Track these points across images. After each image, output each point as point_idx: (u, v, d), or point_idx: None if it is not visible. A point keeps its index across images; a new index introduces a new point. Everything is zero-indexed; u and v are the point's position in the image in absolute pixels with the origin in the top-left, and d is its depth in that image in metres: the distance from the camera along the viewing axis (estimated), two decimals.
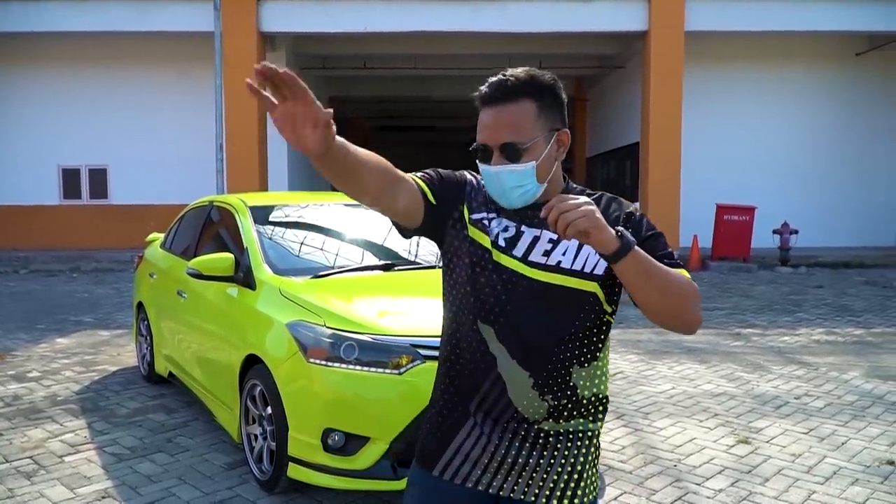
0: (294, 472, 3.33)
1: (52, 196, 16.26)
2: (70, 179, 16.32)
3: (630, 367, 6.13)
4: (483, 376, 1.60)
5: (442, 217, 1.63)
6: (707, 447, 4.22)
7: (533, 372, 1.57)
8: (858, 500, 3.51)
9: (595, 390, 1.63)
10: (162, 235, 5.99)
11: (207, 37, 14.19)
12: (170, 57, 15.88)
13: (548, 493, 1.59)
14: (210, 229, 5.02)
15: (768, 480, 3.74)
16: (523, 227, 1.61)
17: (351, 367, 3.20)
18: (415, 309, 3.67)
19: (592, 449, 1.66)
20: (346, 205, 4.93)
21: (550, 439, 1.60)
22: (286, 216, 4.74)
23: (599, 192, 1.69)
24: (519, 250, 1.59)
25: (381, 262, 4.23)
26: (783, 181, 16.11)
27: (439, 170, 1.70)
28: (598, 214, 1.35)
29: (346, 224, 4.73)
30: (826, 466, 3.93)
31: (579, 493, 1.62)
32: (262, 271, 3.94)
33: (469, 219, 1.64)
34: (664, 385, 5.56)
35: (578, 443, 1.62)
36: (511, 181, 1.55)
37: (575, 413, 1.61)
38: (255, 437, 3.70)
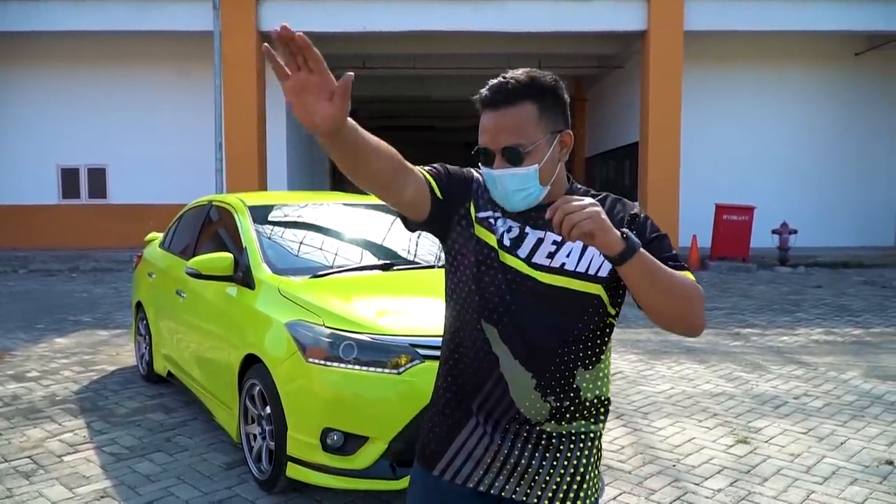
0: (293, 471, 3.33)
1: (50, 196, 16.25)
2: (69, 179, 16.31)
3: (629, 366, 6.13)
4: (486, 376, 1.59)
5: (448, 213, 1.62)
6: (706, 447, 4.23)
7: (536, 373, 1.56)
8: (857, 500, 3.51)
9: (597, 392, 1.63)
10: (161, 235, 5.99)
11: (207, 36, 14.18)
12: (169, 56, 15.88)
13: (550, 495, 1.59)
14: (209, 229, 5.02)
15: (767, 480, 3.75)
16: (527, 229, 1.60)
17: (350, 366, 3.20)
18: (414, 309, 3.67)
19: (594, 451, 1.65)
20: (346, 204, 4.93)
21: (553, 441, 1.60)
22: (285, 216, 4.74)
23: (604, 194, 1.67)
24: (523, 251, 1.58)
25: (380, 262, 4.23)
26: (782, 181, 16.12)
27: (447, 165, 1.68)
28: (604, 216, 1.34)
29: (346, 224, 4.73)
30: (825, 466, 3.93)
31: (581, 495, 1.61)
32: (261, 271, 3.94)
33: (476, 217, 1.62)
34: (663, 385, 5.56)
35: (581, 444, 1.62)
36: (513, 184, 1.54)
37: (577, 415, 1.60)
38: (254, 436, 3.70)
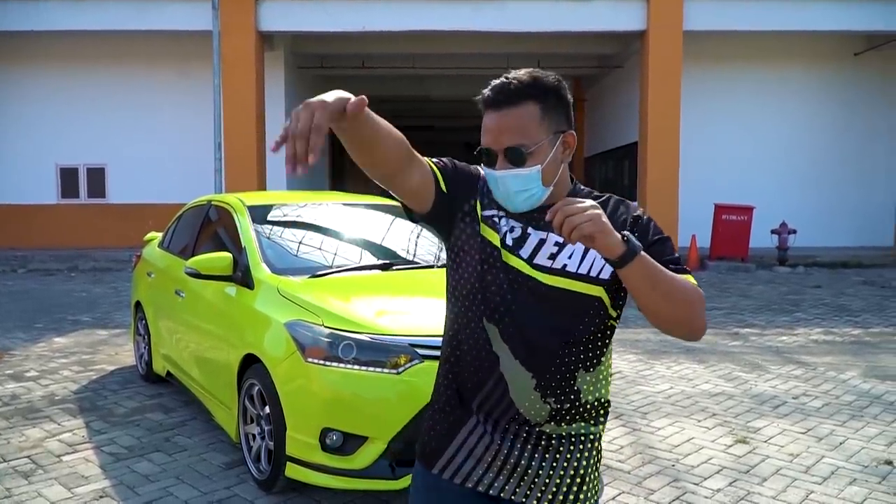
0: (292, 471, 3.33)
1: (50, 195, 16.24)
2: (68, 178, 16.30)
3: (628, 366, 6.13)
4: (486, 375, 1.59)
5: (451, 207, 1.61)
6: (705, 447, 4.23)
7: (536, 373, 1.55)
8: (856, 500, 3.52)
9: (598, 394, 1.62)
10: (160, 234, 5.99)
11: (206, 36, 14.17)
12: (168, 56, 15.88)
13: (550, 497, 1.58)
14: (208, 228, 5.01)
15: (766, 480, 3.75)
16: (530, 229, 1.59)
17: (349, 366, 3.19)
18: (413, 308, 3.67)
19: (594, 452, 1.65)
20: (345, 204, 4.93)
21: (553, 442, 1.59)
22: (284, 215, 4.74)
23: (607, 195, 1.66)
24: (525, 252, 1.57)
25: (380, 262, 4.22)
26: (781, 181, 16.13)
27: (455, 161, 1.67)
28: (604, 218, 1.34)
29: (345, 223, 4.73)
30: (824, 466, 3.93)
31: (581, 497, 1.61)
32: (261, 270, 3.94)
33: (481, 215, 1.61)
34: (662, 385, 5.56)
35: (581, 446, 1.61)
36: (516, 185, 1.53)
37: (577, 417, 1.60)
38: (253, 436, 3.70)
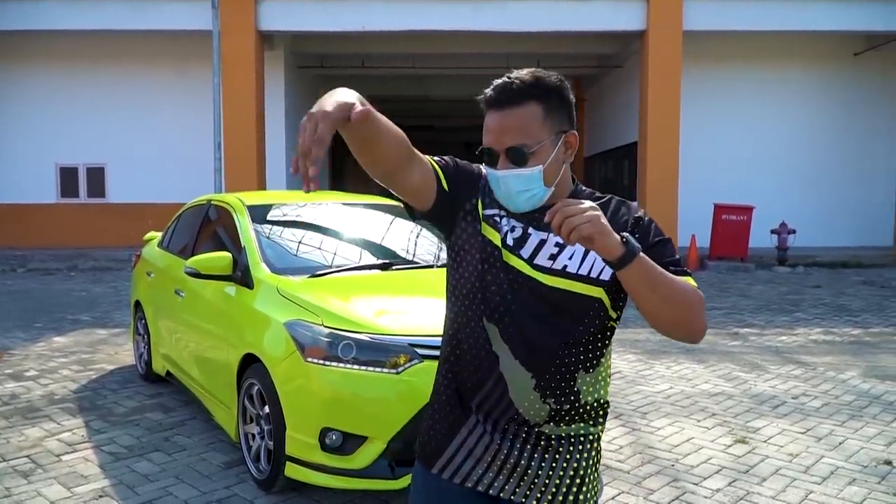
0: (291, 471, 3.33)
1: (49, 194, 16.24)
2: (68, 178, 16.30)
3: (628, 366, 6.13)
4: (486, 374, 1.59)
5: (453, 206, 1.61)
6: (705, 447, 4.23)
7: (536, 373, 1.55)
8: (856, 500, 3.52)
9: (597, 395, 1.62)
10: (159, 234, 5.98)
11: (206, 35, 14.16)
12: (168, 55, 15.87)
13: (549, 497, 1.58)
14: (208, 228, 5.01)
15: (766, 480, 3.75)
16: (530, 230, 1.59)
17: (348, 366, 3.19)
18: (413, 308, 3.67)
19: (594, 453, 1.65)
20: (345, 204, 4.93)
21: (552, 443, 1.59)
22: (284, 215, 4.74)
23: (609, 196, 1.66)
24: (525, 252, 1.57)
25: (379, 262, 4.22)
26: (781, 181, 16.13)
27: (457, 159, 1.66)
28: (604, 220, 1.33)
29: (344, 223, 4.73)
30: (823, 466, 3.93)
31: (581, 497, 1.60)
32: (260, 270, 3.94)
33: (482, 214, 1.61)
34: (662, 385, 5.56)
35: (580, 447, 1.61)
36: (517, 185, 1.53)
37: (576, 417, 1.60)
38: (253, 436, 3.70)
